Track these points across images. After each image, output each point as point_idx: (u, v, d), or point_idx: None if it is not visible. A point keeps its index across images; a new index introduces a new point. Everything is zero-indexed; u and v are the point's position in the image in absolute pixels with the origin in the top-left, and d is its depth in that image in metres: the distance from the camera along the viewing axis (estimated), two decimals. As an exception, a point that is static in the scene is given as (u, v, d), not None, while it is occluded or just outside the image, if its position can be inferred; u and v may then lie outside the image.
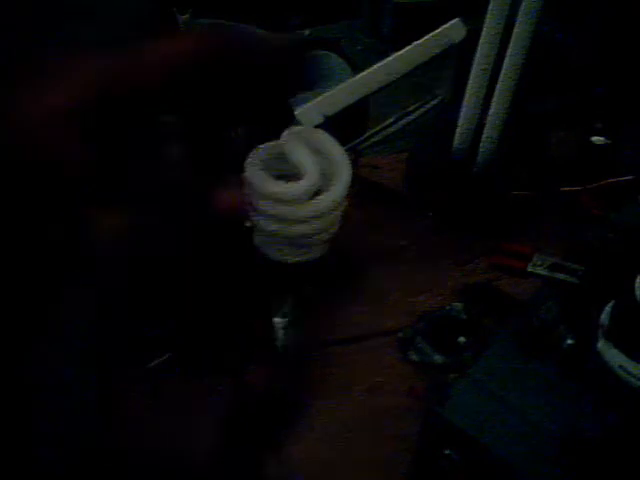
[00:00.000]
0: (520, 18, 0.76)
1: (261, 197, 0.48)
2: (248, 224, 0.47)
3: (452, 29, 0.94)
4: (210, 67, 0.40)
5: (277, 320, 0.50)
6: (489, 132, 0.83)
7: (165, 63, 0.35)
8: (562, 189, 0.88)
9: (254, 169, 0.49)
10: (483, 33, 0.78)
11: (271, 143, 0.50)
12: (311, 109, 0.96)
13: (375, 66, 0.97)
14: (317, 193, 0.52)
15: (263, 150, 0.51)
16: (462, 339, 0.72)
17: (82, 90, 0.32)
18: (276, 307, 0.50)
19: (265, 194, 0.48)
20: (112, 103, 0.33)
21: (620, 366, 0.59)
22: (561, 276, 0.76)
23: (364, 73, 0.97)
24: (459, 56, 0.93)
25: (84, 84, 0.32)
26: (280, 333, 0.50)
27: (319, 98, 0.96)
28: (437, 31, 0.95)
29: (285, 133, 0.50)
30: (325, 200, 0.50)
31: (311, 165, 0.49)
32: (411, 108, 1.03)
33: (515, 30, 0.77)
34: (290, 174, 0.50)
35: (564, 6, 1.02)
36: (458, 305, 0.76)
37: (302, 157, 0.48)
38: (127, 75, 0.33)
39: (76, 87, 0.32)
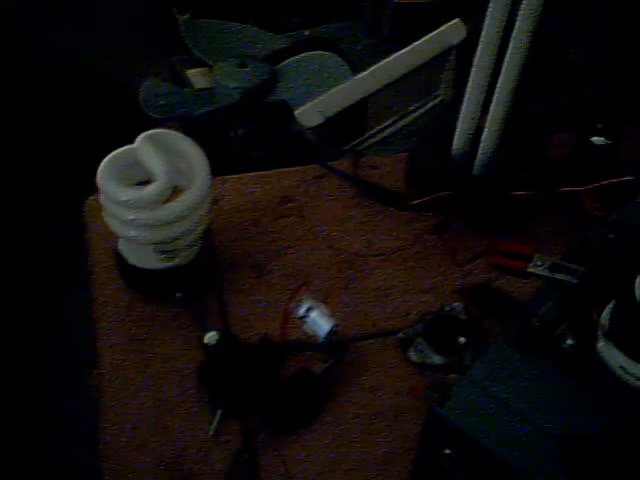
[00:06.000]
0: (520, 18, 0.76)
1: (116, 205, 0.47)
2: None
3: (452, 29, 0.95)
4: None
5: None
6: (489, 132, 0.83)
7: None
8: (562, 189, 0.88)
9: (106, 178, 0.48)
10: (483, 33, 0.78)
11: (124, 149, 0.49)
12: (311, 109, 0.96)
13: (375, 66, 0.97)
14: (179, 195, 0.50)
15: (116, 157, 0.49)
16: (462, 339, 0.72)
17: None
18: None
19: (118, 202, 0.47)
20: None
21: (620, 366, 0.59)
22: (561, 276, 0.76)
23: (364, 73, 0.97)
24: (459, 56, 0.93)
25: None
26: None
27: (319, 98, 0.96)
28: (437, 31, 0.95)
29: (139, 138, 0.48)
30: (180, 204, 0.48)
31: (160, 169, 0.47)
32: (411, 108, 1.03)
33: (515, 30, 0.76)
34: (148, 179, 0.49)
35: (565, 6, 1.02)
36: (458, 305, 0.76)
37: (152, 161, 0.47)
38: None
39: None
